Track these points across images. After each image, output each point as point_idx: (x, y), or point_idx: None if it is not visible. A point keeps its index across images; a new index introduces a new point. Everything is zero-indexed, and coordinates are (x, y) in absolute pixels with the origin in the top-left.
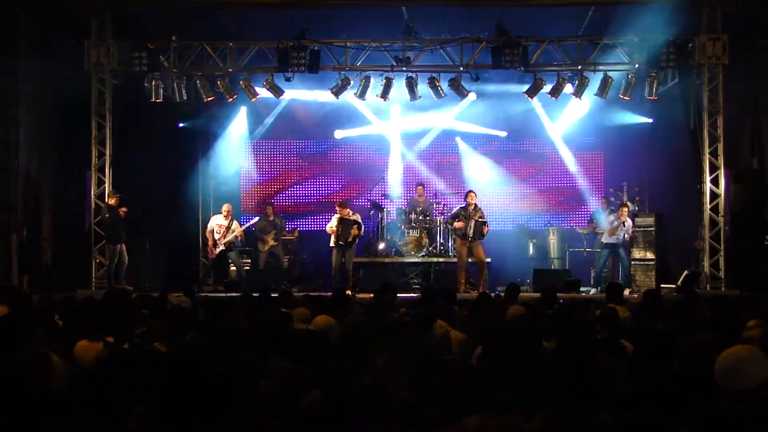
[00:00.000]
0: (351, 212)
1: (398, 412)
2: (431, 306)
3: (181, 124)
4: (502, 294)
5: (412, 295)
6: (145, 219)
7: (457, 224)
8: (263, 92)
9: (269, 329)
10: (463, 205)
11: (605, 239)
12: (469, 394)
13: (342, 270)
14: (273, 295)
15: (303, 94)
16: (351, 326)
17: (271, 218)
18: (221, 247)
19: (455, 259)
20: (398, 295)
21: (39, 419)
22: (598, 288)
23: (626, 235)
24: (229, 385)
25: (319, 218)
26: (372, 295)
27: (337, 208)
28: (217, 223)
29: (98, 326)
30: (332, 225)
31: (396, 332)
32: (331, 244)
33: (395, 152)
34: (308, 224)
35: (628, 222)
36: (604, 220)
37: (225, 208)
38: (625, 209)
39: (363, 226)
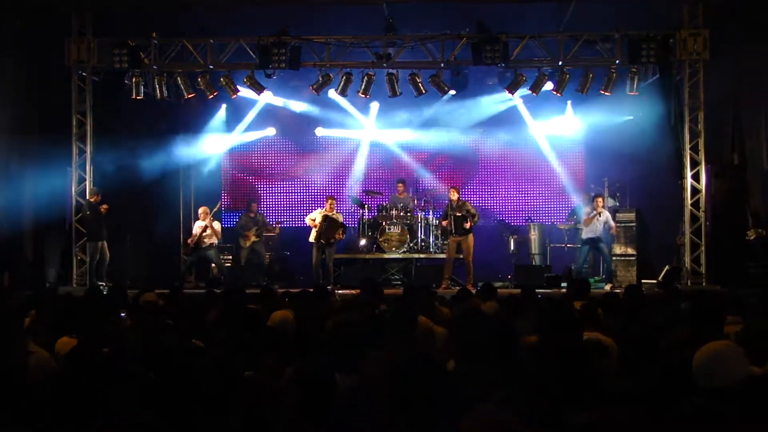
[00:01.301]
0: (336, 211)
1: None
2: (412, 302)
3: (162, 122)
4: None
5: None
6: (126, 216)
7: (444, 223)
8: (244, 91)
9: (244, 325)
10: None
11: (584, 234)
12: (447, 393)
13: (323, 267)
14: (254, 291)
15: (280, 101)
16: (339, 323)
17: (253, 215)
18: (195, 240)
19: (437, 256)
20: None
21: (25, 415)
22: None
23: (608, 227)
24: (212, 382)
25: (300, 215)
26: (353, 291)
27: (327, 202)
28: (198, 225)
29: (79, 323)
30: (314, 217)
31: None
32: (311, 239)
33: (373, 149)
34: (289, 221)
35: (605, 213)
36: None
37: (201, 210)
38: (600, 200)
39: (346, 228)
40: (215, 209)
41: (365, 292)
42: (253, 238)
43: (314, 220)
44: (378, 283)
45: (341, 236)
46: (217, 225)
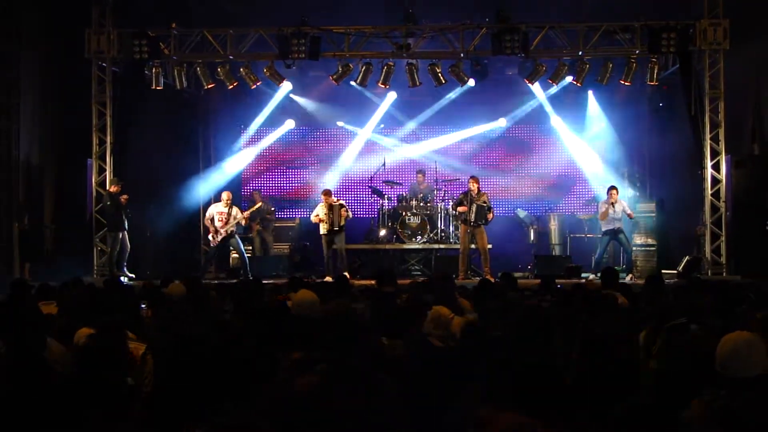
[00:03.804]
0: (335, 199)
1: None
2: (431, 292)
3: (182, 112)
4: None
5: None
6: (146, 207)
7: (460, 209)
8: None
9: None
10: (465, 191)
11: (604, 226)
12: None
13: (335, 255)
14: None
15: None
16: (346, 312)
17: (261, 206)
18: (223, 234)
19: (456, 246)
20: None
21: (44, 404)
22: (598, 274)
23: (626, 214)
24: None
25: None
26: (371, 282)
27: (323, 197)
28: (217, 210)
29: (99, 314)
30: (318, 214)
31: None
32: (323, 231)
33: (392, 140)
34: (309, 211)
35: (621, 203)
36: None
37: (225, 196)
38: (614, 192)
39: (348, 209)
40: (254, 208)
41: (380, 282)
42: (257, 228)
43: (318, 216)
44: (393, 274)
45: (346, 214)
46: (237, 212)
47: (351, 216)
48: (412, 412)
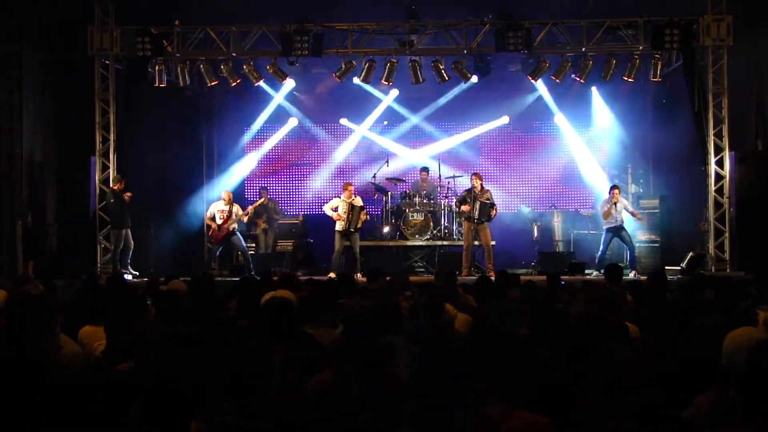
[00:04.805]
0: (357, 198)
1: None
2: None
3: (185, 110)
4: None
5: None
6: (149, 204)
7: (464, 207)
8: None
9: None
10: (468, 188)
11: (606, 225)
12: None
13: (350, 254)
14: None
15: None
16: (354, 311)
17: (264, 202)
18: (226, 231)
19: (460, 243)
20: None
21: (52, 407)
22: (601, 271)
23: (626, 213)
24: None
25: (322, 202)
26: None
27: (344, 190)
28: (218, 209)
29: (102, 312)
30: (333, 206)
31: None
32: (339, 228)
33: (394, 138)
34: (312, 209)
35: (622, 202)
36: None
37: (225, 194)
38: (617, 191)
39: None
40: (256, 205)
41: (370, 280)
42: (263, 225)
43: (335, 210)
44: (384, 273)
45: (366, 217)
46: (238, 210)
47: (368, 219)
48: (420, 410)
